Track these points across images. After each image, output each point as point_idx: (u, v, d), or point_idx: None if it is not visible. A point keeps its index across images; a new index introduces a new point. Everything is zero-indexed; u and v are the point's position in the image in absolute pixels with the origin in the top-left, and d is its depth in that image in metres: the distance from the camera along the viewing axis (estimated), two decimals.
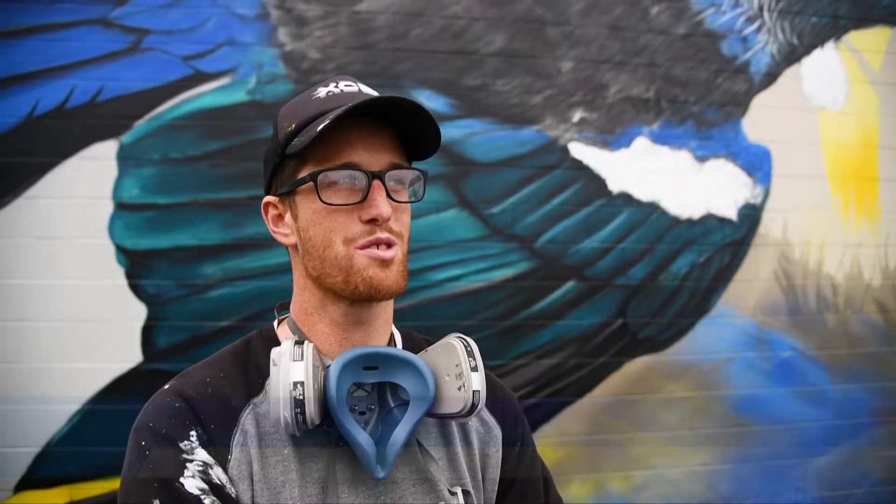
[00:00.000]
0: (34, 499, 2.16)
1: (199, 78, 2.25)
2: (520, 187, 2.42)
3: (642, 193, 2.51)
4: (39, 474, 2.16)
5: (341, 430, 0.78)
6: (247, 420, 0.82)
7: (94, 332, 2.18)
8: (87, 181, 2.20)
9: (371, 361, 0.81)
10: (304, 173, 0.82)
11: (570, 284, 2.45)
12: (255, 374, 0.85)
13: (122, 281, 2.20)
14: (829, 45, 2.69)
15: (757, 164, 2.61)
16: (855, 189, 2.71)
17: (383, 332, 0.89)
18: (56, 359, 2.17)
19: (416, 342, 0.96)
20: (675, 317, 2.54)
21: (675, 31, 2.57)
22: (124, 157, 2.22)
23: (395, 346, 0.91)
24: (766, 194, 2.62)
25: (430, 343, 0.96)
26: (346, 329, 0.86)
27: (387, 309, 0.89)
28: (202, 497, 0.76)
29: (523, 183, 2.43)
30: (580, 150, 2.47)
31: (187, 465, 0.78)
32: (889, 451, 2.72)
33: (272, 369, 0.77)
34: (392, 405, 0.84)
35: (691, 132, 2.56)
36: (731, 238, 2.58)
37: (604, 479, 2.48)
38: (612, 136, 2.50)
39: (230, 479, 0.79)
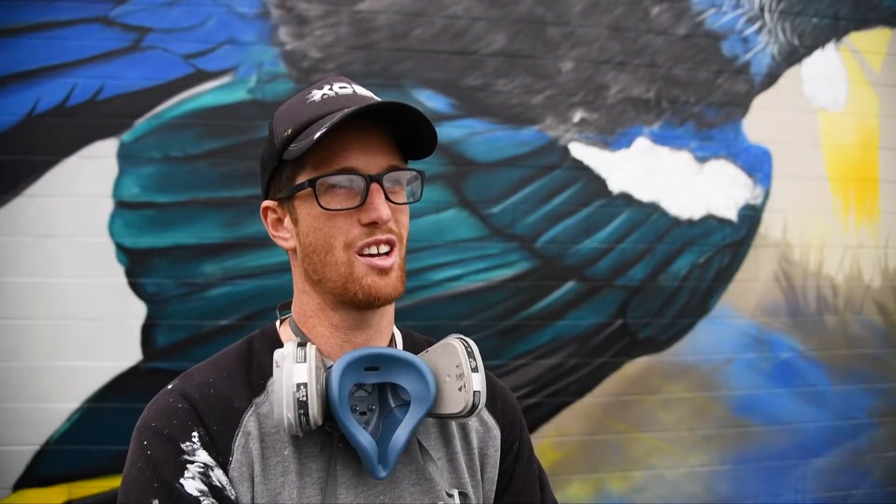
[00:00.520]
0: (33, 497, 2.15)
1: (200, 77, 2.25)
2: (520, 187, 2.42)
3: (642, 194, 2.51)
4: (38, 473, 2.16)
5: (343, 430, 0.78)
6: (249, 421, 0.82)
7: (93, 331, 2.18)
8: (87, 179, 2.20)
9: (372, 362, 0.82)
10: (301, 178, 0.82)
11: (570, 285, 2.45)
12: (257, 374, 0.86)
13: (122, 279, 2.20)
14: (830, 46, 2.69)
15: (757, 164, 2.61)
16: (855, 190, 2.71)
17: (384, 333, 0.89)
18: (56, 357, 2.17)
19: (416, 342, 0.96)
20: (675, 317, 2.54)
21: (675, 31, 2.57)
22: (125, 156, 2.22)
23: (396, 346, 0.91)
24: (767, 195, 2.62)
25: (431, 343, 0.96)
26: (347, 332, 0.86)
27: (387, 311, 0.89)
28: (201, 499, 0.76)
29: (523, 183, 2.43)
30: (580, 151, 2.47)
31: (188, 466, 0.78)
32: (888, 452, 2.72)
33: (275, 371, 0.77)
34: (392, 405, 0.84)
35: (692, 133, 2.56)
36: (732, 239, 2.58)
37: (603, 479, 2.48)
38: (612, 136, 2.50)
39: (231, 481, 0.79)
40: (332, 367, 0.80)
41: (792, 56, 2.66)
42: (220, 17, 2.27)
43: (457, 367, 0.82)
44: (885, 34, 2.75)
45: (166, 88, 2.23)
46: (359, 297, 0.81)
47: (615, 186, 2.49)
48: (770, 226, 2.62)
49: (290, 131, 0.83)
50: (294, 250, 0.87)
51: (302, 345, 0.79)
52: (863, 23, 2.72)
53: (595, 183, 2.48)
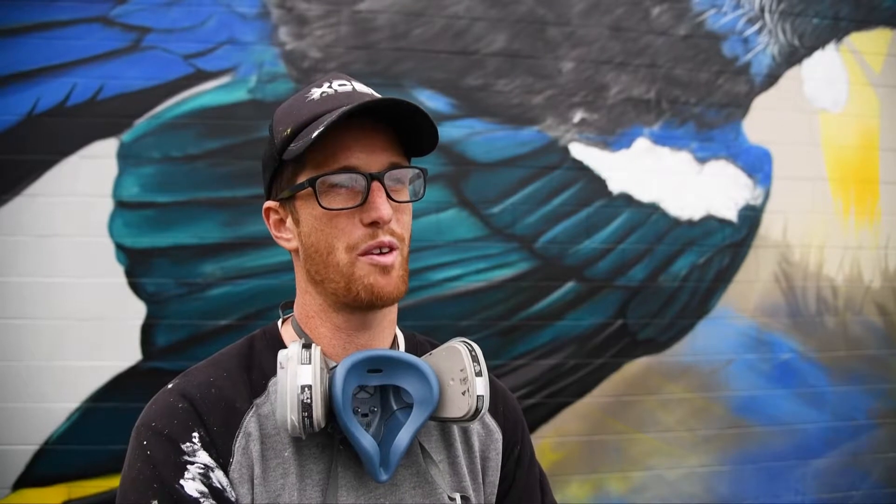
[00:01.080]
0: (32, 497, 2.15)
1: (200, 76, 2.25)
2: (520, 187, 2.42)
3: (642, 194, 2.51)
4: (38, 472, 2.16)
5: (346, 433, 0.77)
6: (250, 422, 0.81)
7: (93, 331, 2.18)
8: (87, 179, 2.19)
9: (376, 364, 0.81)
10: (302, 178, 0.82)
11: (569, 285, 2.45)
12: (258, 374, 0.85)
13: (122, 279, 2.20)
14: (830, 47, 2.69)
15: (757, 165, 2.61)
16: (855, 191, 2.70)
17: (387, 334, 0.89)
18: (55, 357, 2.17)
19: (418, 343, 0.96)
20: (675, 318, 2.54)
21: (676, 32, 2.57)
22: (124, 156, 2.21)
23: (398, 348, 0.91)
24: (767, 196, 2.62)
25: (433, 344, 0.96)
26: (350, 333, 0.86)
27: (390, 312, 0.88)
28: (201, 500, 0.76)
29: (523, 183, 2.43)
30: (581, 151, 2.47)
31: (188, 467, 0.77)
32: (888, 453, 2.71)
33: (279, 372, 0.77)
34: (395, 408, 0.84)
35: (692, 133, 2.56)
36: (732, 239, 2.58)
37: (603, 479, 2.48)
38: (612, 136, 2.50)
39: (231, 483, 0.79)
40: (335, 368, 0.79)
41: (792, 57, 2.66)
42: (220, 17, 2.27)
43: (461, 370, 0.82)
44: (885, 35, 2.75)
45: (166, 88, 2.23)
46: (361, 297, 0.80)
47: (615, 187, 2.49)
48: (770, 226, 2.62)
49: (289, 131, 0.82)
50: (296, 251, 0.86)
51: (307, 346, 0.78)
52: (863, 23, 2.72)
53: (595, 183, 2.48)
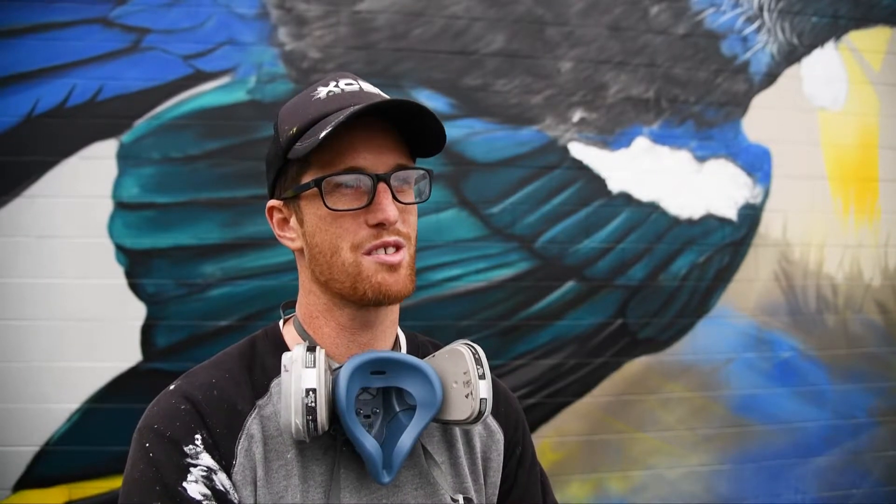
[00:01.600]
0: (33, 498, 2.15)
1: (199, 77, 2.25)
2: (520, 187, 2.42)
3: (642, 193, 2.51)
4: (38, 473, 2.16)
5: (349, 435, 0.77)
6: (252, 424, 0.81)
7: (93, 332, 2.18)
8: (86, 180, 2.19)
9: (379, 366, 0.81)
10: (307, 178, 0.81)
11: (569, 284, 2.45)
12: (260, 375, 0.85)
13: (122, 280, 2.20)
14: (830, 45, 2.69)
15: (757, 164, 2.61)
16: (855, 189, 2.70)
17: (389, 333, 0.89)
18: (55, 358, 2.17)
19: (420, 344, 0.95)
20: (675, 317, 2.54)
21: (674, 31, 2.57)
22: (124, 157, 2.21)
23: (400, 348, 0.91)
24: (766, 194, 2.62)
25: (435, 345, 0.96)
26: (353, 332, 0.85)
27: (393, 311, 0.88)
28: (204, 502, 0.76)
29: (523, 183, 2.43)
30: (580, 150, 2.47)
31: (191, 469, 0.77)
32: (889, 451, 2.71)
33: (283, 375, 0.76)
34: (397, 409, 0.84)
35: (691, 132, 2.56)
36: (731, 238, 2.58)
37: (603, 479, 2.48)
38: (611, 136, 2.50)
39: (234, 485, 0.78)
40: (338, 371, 0.79)
41: (791, 55, 2.66)
42: (220, 18, 2.27)
43: (464, 373, 0.81)
44: (884, 33, 2.75)
45: (166, 89, 2.23)
46: (368, 296, 0.80)
47: (615, 186, 2.49)
48: (770, 225, 2.62)
49: (294, 130, 0.81)
50: (301, 251, 0.86)
51: (311, 349, 0.78)
52: (862, 21, 2.72)
53: (594, 183, 2.48)
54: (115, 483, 2.17)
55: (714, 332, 2.56)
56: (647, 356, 2.52)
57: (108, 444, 2.15)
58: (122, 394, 2.17)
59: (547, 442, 2.42)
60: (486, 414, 0.81)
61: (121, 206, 2.21)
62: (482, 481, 0.90)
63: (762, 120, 2.61)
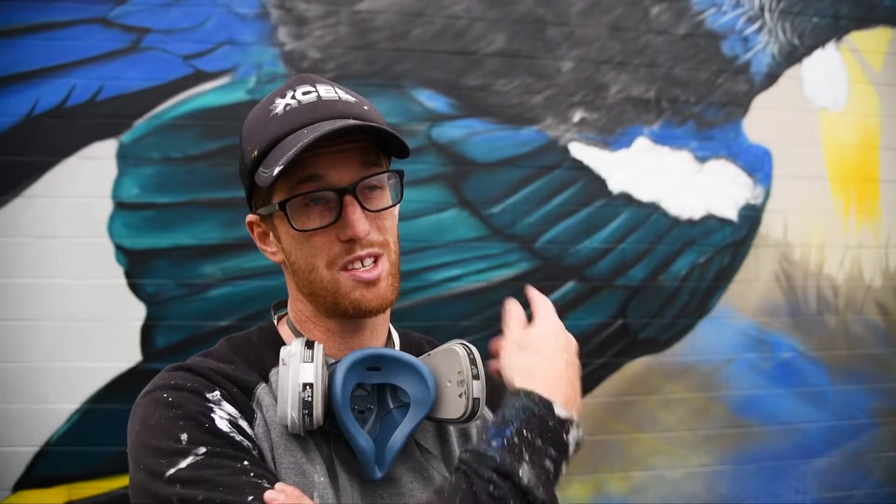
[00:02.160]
0: (33, 498, 2.15)
1: (199, 77, 2.24)
2: (520, 187, 2.42)
3: (642, 194, 2.50)
4: (38, 473, 2.16)
5: (343, 431, 0.78)
6: (261, 393, 0.81)
7: (93, 332, 2.18)
8: (86, 180, 2.19)
9: (375, 363, 0.82)
10: (276, 197, 0.81)
11: (570, 285, 2.44)
12: (258, 365, 0.85)
13: (122, 280, 2.20)
14: (830, 46, 2.69)
15: (757, 164, 2.61)
16: (856, 190, 2.70)
17: (380, 332, 0.89)
18: (55, 358, 2.17)
19: (413, 340, 0.96)
20: (676, 317, 2.53)
21: (675, 31, 2.57)
22: (124, 157, 2.21)
23: (394, 345, 0.92)
24: (767, 195, 2.61)
25: (431, 342, 0.96)
26: (343, 336, 0.86)
27: (381, 314, 0.88)
28: (232, 434, 0.74)
29: (523, 183, 2.42)
30: (580, 151, 2.47)
31: (215, 409, 0.75)
32: (889, 452, 2.71)
33: (281, 368, 0.77)
34: (391, 406, 0.84)
35: (692, 132, 2.56)
36: (732, 239, 2.58)
37: (603, 479, 2.48)
38: (612, 136, 2.49)
39: (256, 436, 0.78)
40: (334, 367, 0.80)
41: (792, 55, 2.65)
42: (220, 18, 2.27)
43: (459, 373, 0.82)
44: (885, 33, 2.75)
45: (165, 89, 2.23)
46: (349, 311, 0.81)
47: (615, 186, 2.49)
48: (770, 226, 2.62)
49: (256, 153, 0.81)
50: (283, 263, 0.87)
51: (309, 345, 0.78)
52: (863, 22, 2.72)
53: (595, 183, 2.47)
54: (115, 483, 2.16)
55: (714, 332, 2.56)
56: (647, 356, 2.51)
57: (108, 445, 2.15)
58: (121, 394, 2.17)
59: None
60: (479, 414, 0.82)
61: (120, 206, 2.21)
62: None
63: (763, 120, 2.61)
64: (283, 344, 0.86)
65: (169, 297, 2.21)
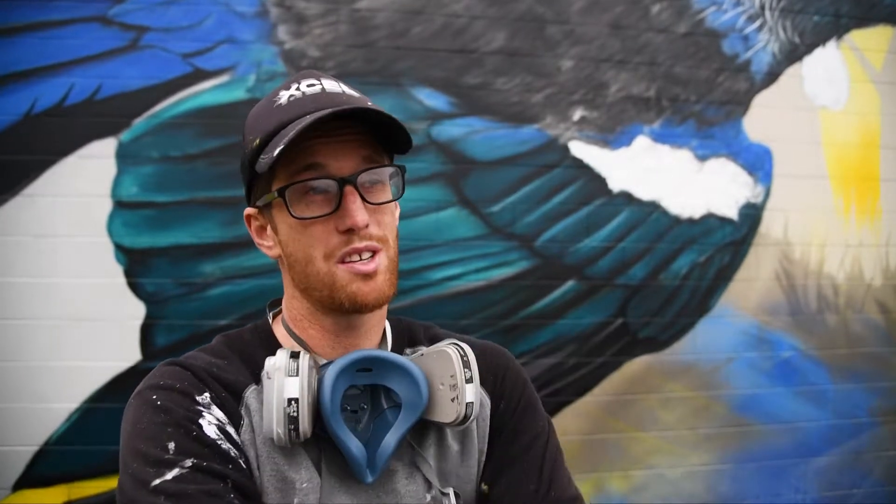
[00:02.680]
0: (33, 498, 2.15)
1: (199, 76, 2.24)
2: (520, 186, 2.42)
3: (643, 192, 2.50)
4: (38, 473, 2.15)
5: (333, 437, 0.77)
6: (250, 397, 0.81)
7: (92, 331, 2.18)
8: (85, 179, 2.19)
9: (365, 364, 0.81)
10: (275, 186, 0.80)
11: (570, 284, 2.44)
12: (251, 363, 0.85)
13: (121, 279, 2.20)
14: (831, 44, 2.68)
15: (758, 163, 2.60)
16: (856, 189, 2.70)
17: (375, 332, 0.88)
18: (55, 357, 2.16)
19: (405, 329, 0.94)
20: (676, 316, 2.53)
21: (676, 29, 2.56)
22: (123, 155, 2.21)
23: (386, 344, 0.90)
24: (767, 194, 2.61)
25: (427, 329, 0.95)
26: (338, 335, 0.85)
27: (377, 312, 0.87)
28: (219, 442, 0.74)
29: (523, 182, 2.42)
30: (580, 149, 2.47)
31: (203, 414, 0.75)
32: (890, 451, 2.71)
33: (266, 382, 0.76)
34: (385, 406, 0.83)
35: (692, 131, 2.55)
36: (732, 237, 2.58)
37: (603, 478, 2.48)
38: (612, 134, 2.49)
39: (242, 443, 0.78)
40: (324, 371, 0.78)
41: (793, 54, 2.65)
42: (219, 16, 2.26)
43: (451, 376, 0.81)
44: (886, 32, 2.74)
45: (165, 87, 2.22)
46: (345, 305, 0.79)
47: (615, 185, 2.48)
48: (771, 224, 2.61)
49: (258, 141, 0.80)
50: (279, 258, 0.86)
51: (294, 356, 0.77)
52: (864, 20, 2.71)
53: (595, 181, 2.47)
54: (114, 482, 2.16)
55: (715, 331, 2.56)
56: (647, 355, 2.51)
57: (108, 444, 2.15)
58: (121, 393, 2.17)
59: None
60: (472, 418, 0.81)
61: (120, 205, 2.20)
62: (473, 472, 0.89)
63: (763, 119, 2.60)
64: (277, 343, 0.86)
65: (168, 296, 2.21)
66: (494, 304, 2.39)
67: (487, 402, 0.91)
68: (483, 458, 0.89)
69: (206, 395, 0.77)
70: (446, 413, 0.81)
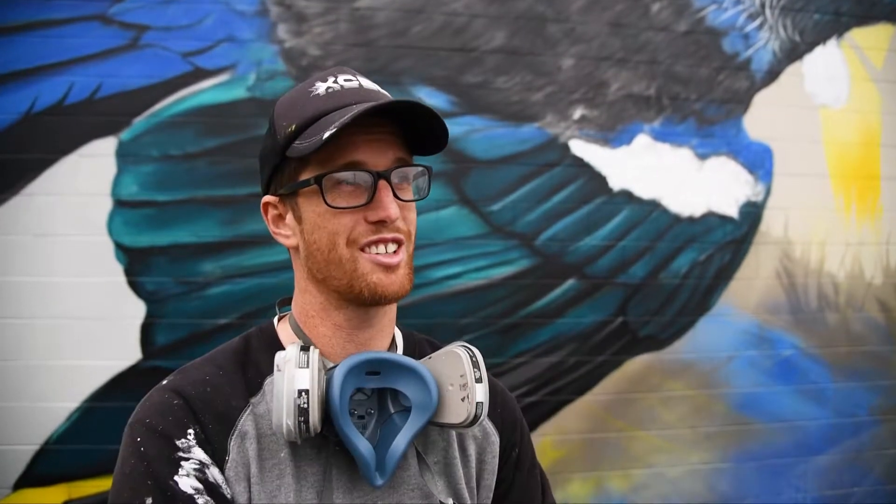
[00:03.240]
0: (33, 497, 2.15)
1: (199, 74, 2.24)
2: (520, 185, 2.42)
3: (643, 191, 2.50)
4: (38, 472, 2.15)
5: (342, 437, 0.77)
6: (246, 421, 0.80)
7: (92, 330, 2.18)
8: (85, 178, 2.19)
9: (374, 367, 0.80)
10: (306, 174, 0.80)
11: (570, 282, 2.44)
12: (254, 373, 0.84)
13: (121, 278, 2.20)
14: (832, 43, 2.68)
15: (758, 161, 2.60)
16: (856, 187, 2.70)
17: (386, 332, 0.88)
18: (55, 356, 2.16)
19: (417, 342, 0.94)
20: (676, 315, 2.53)
21: (676, 28, 2.56)
22: (123, 154, 2.21)
23: (396, 347, 0.90)
24: (768, 192, 2.61)
25: (432, 343, 0.95)
26: (350, 332, 0.84)
27: (390, 310, 0.87)
28: (196, 497, 0.75)
29: (524, 180, 2.42)
30: (581, 148, 2.46)
31: (182, 463, 0.76)
32: (890, 449, 2.71)
33: (276, 374, 0.76)
34: (392, 411, 0.83)
35: (692, 130, 2.55)
36: (732, 236, 2.57)
37: (604, 477, 2.48)
38: (612, 133, 2.49)
39: (227, 480, 0.78)
40: (332, 371, 0.78)
41: (793, 52, 2.65)
42: (219, 15, 2.26)
43: (461, 376, 0.80)
44: (886, 30, 2.74)
45: (165, 86, 2.22)
46: (364, 295, 0.79)
47: (616, 184, 2.48)
48: (771, 223, 2.61)
49: (293, 127, 0.80)
50: (296, 248, 0.85)
51: (305, 349, 0.77)
52: (864, 19, 2.71)
53: (595, 180, 2.47)
54: None
55: (715, 330, 2.56)
56: (647, 354, 2.51)
57: (108, 443, 2.14)
58: (121, 392, 2.17)
59: (547, 440, 2.41)
60: (482, 418, 0.80)
61: (120, 204, 2.20)
62: (475, 484, 0.89)
63: (764, 117, 2.60)
64: (281, 347, 0.85)
65: (168, 294, 2.21)
66: (495, 303, 2.39)
67: (496, 438, 0.92)
68: (491, 494, 0.91)
69: (191, 433, 0.78)
70: (457, 413, 0.80)
